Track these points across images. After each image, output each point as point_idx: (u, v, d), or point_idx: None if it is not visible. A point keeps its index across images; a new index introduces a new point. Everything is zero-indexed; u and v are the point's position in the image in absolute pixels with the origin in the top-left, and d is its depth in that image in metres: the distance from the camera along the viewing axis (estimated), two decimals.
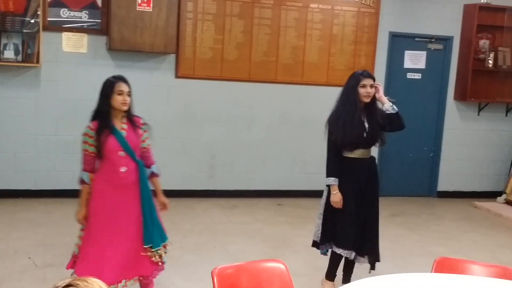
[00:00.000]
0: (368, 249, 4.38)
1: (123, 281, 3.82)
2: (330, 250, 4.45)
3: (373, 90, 4.26)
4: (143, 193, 3.85)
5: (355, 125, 4.22)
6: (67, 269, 3.93)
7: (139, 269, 3.87)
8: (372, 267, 4.42)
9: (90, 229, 3.80)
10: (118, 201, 3.80)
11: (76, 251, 3.90)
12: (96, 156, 3.78)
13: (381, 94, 4.32)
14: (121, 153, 3.76)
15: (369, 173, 4.38)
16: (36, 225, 5.80)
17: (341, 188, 4.29)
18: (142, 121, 3.94)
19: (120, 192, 3.79)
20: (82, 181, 3.82)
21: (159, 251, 3.92)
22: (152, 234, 3.88)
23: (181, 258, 5.13)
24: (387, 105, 4.30)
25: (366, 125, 4.29)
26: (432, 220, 7.08)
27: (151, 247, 3.87)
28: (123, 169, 3.77)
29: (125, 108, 3.78)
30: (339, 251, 4.33)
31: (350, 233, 4.31)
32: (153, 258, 3.89)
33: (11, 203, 6.50)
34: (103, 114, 3.76)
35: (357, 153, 4.30)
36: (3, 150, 6.66)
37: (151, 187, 3.98)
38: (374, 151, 4.55)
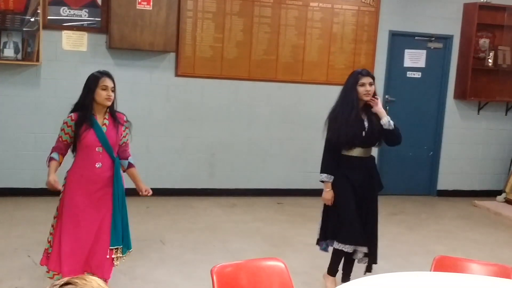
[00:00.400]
0: (369, 248, 4.37)
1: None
2: (331, 248, 4.45)
3: (372, 88, 4.25)
4: (116, 191, 3.82)
5: (353, 124, 4.21)
6: (41, 265, 3.96)
7: (101, 270, 3.81)
8: (369, 269, 4.41)
9: (61, 224, 3.80)
10: (90, 197, 3.79)
11: (48, 246, 3.91)
12: (68, 145, 3.82)
13: (379, 107, 4.28)
14: (99, 149, 3.77)
15: (367, 173, 4.36)
16: (35, 224, 5.80)
17: (340, 186, 4.29)
18: (125, 118, 3.93)
19: (93, 187, 3.79)
20: (51, 159, 3.82)
21: (118, 256, 3.86)
22: (121, 236, 3.84)
23: (181, 256, 5.13)
24: (384, 120, 4.26)
25: (366, 124, 4.28)
26: (432, 219, 7.08)
27: (118, 250, 3.83)
28: (98, 165, 3.78)
29: (109, 103, 3.79)
30: (340, 247, 4.32)
31: (354, 229, 4.30)
32: (115, 261, 3.86)
33: (11, 201, 6.50)
34: (85, 108, 3.77)
35: (355, 152, 4.29)
36: (3, 149, 6.66)
37: (125, 185, 3.95)
38: (374, 150, 4.54)
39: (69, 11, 6.63)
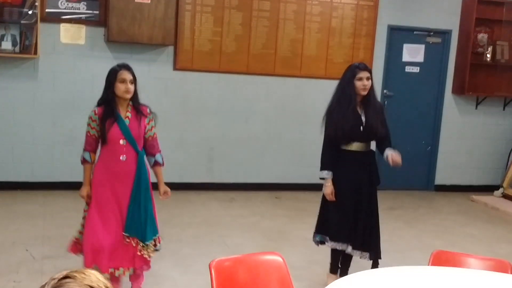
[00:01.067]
0: (369, 244, 4.34)
1: (120, 268, 3.85)
2: (325, 244, 4.45)
3: (369, 82, 4.21)
4: (140, 183, 3.84)
5: (350, 118, 4.19)
6: (69, 251, 3.96)
7: (130, 259, 3.88)
8: (375, 265, 4.36)
9: (89, 216, 3.83)
10: (116, 189, 3.81)
11: (77, 236, 3.93)
12: (97, 139, 3.82)
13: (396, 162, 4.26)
14: (122, 142, 3.77)
15: (366, 168, 4.34)
16: (33, 217, 5.80)
17: (337, 181, 4.28)
18: (149, 110, 3.94)
19: (119, 180, 3.81)
20: (84, 160, 3.87)
21: (148, 246, 3.88)
22: (142, 227, 3.85)
23: (179, 251, 5.14)
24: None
25: (363, 119, 4.26)
26: (430, 214, 7.09)
27: (142, 241, 3.85)
28: (122, 158, 3.78)
29: (128, 96, 3.80)
30: (333, 245, 4.34)
31: (342, 227, 4.30)
32: (141, 252, 3.86)
33: (9, 195, 6.50)
34: (108, 102, 3.78)
35: (353, 146, 4.28)
36: (1, 142, 6.65)
37: (152, 179, 3.96)
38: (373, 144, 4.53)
39: (67, 4, 6.61)
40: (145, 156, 3.91)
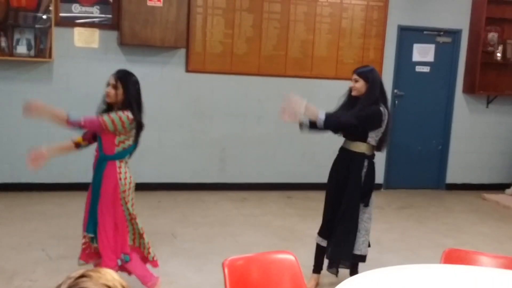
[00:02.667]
0: (331, 241, 4.39)
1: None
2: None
3: (357, 85, 4.23)
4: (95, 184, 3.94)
5: (342, 110, 4.36)
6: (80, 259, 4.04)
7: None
8: (329, 265, 4.41)
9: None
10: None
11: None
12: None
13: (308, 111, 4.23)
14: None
15: (346, 167, 4.32)
16: (49, 218, 5.88)
17: (328, 178, 4.47)
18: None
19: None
20: (74, 121, 3.89)
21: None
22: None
23: (192, 250, 5.19)
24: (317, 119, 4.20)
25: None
26: (441, 213, 7.10)
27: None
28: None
29: (108, 99, 3.89)
30: (317, 239, 4.52)
31: (324, 220, 4.46)
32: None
33: (25, 196, 6.59)
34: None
35: (343, 142, 4.40)
36: (16, 144, 6.74)
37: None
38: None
39: (81, 8, 6.70)
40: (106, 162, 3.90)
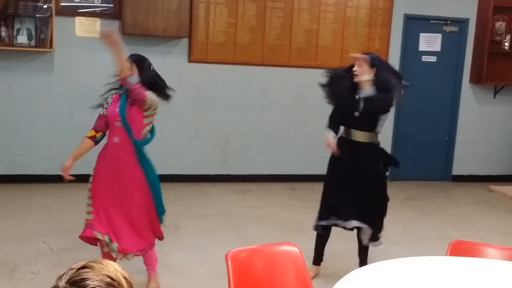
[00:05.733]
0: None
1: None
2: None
3: (360, 69, 4.12)
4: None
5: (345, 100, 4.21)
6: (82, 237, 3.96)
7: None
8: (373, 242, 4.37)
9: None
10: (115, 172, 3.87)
11: (88, 217, 3.95)
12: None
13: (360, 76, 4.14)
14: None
15: (359, 158, 4.27)
16: (51, 210, 5.85)
17: (328, 165, 4.46)
18: None
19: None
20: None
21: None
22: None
23: (195, 242, 5.15)
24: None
25: (361, 105, 4.15)
26: (447, 204, 7.04)
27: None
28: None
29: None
30: (316, 226, 4.47)
31: (330, 205, 4.38)
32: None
33: (26, 188, 6.55)
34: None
35: (351, 134, 4.28)
36: (17, 136, 6.70)
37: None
38: (386, 135, 4.48)
39: None
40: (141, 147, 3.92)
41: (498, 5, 7.70)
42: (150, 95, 3.79)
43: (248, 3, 7.09)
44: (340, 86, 4.22)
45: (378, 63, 4.16)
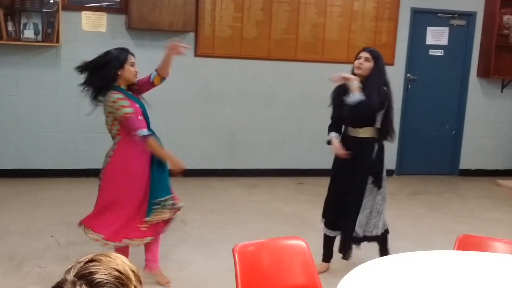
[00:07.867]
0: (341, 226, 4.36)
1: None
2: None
3: (366, 64, 4.11)
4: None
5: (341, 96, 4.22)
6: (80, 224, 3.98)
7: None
8: (343, 254, 4.35)
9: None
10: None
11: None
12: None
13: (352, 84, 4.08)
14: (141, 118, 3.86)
15: (358, 155, 4.21)
16: (58, 204, 5.86)
17: (332, 167, 4.44)
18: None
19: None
20: (146, 137, 3.83)
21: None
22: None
23: (202, 236, 5.16)
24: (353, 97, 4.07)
25: (347, 109, 4.15)
26: (454, 199, 7.02)
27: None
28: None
29: (135, 79, 3.95)
30: (324, 230, 4.49)
31: (330, 212, 4.41)
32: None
33: (34, 182, 6.57)
34: (111, 84, 3.83)
35: (348, 131, 4.28)
36: (25, 130, 6.72)
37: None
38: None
39: None
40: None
41: None
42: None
43: None
44: (337, 89, 4.28)
45: (380, 63, 4.17)
